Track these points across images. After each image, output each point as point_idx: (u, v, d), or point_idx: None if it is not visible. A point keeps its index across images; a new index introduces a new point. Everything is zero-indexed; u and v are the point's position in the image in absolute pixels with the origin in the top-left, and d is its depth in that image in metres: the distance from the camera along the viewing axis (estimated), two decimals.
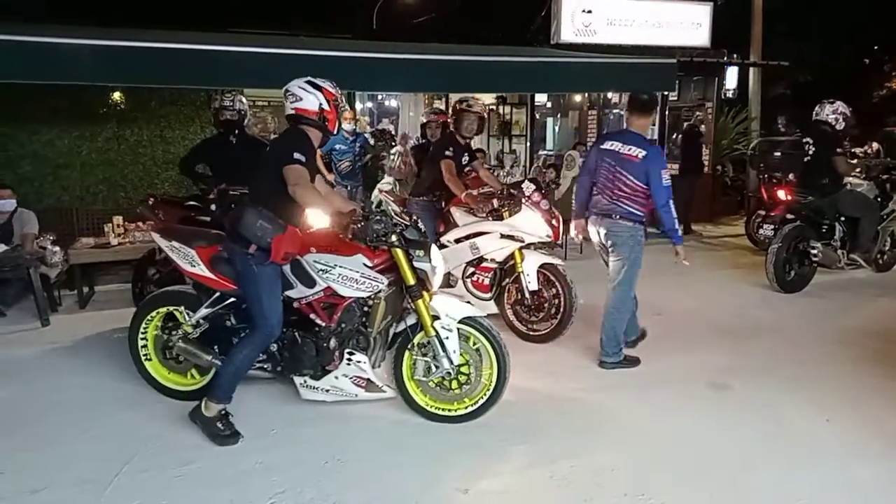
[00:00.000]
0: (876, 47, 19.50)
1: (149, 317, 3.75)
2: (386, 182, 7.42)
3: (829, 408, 3.64)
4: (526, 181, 4.87)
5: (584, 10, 9.37)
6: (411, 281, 3.32)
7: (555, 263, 4.66)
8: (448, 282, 4.97)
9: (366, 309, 3.42)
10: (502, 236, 4.68)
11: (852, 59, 18.92)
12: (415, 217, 3.51)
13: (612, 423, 3.53)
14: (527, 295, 4.64)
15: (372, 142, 8.15)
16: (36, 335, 4.96)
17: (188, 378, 3.81)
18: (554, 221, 4.76)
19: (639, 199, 4.12)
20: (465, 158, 5.09)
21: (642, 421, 3.56)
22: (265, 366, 3.55)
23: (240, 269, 3.30)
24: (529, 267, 4.61)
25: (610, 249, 4.22)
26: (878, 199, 6.35)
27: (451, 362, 3.38)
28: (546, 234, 4.67)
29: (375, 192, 7.22)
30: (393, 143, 8.19)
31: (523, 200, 4.69)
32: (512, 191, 4.80)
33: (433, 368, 3.42)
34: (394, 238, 3.26)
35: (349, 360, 3.46)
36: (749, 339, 4.81)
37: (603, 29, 9.47)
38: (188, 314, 3.53)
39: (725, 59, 10.36)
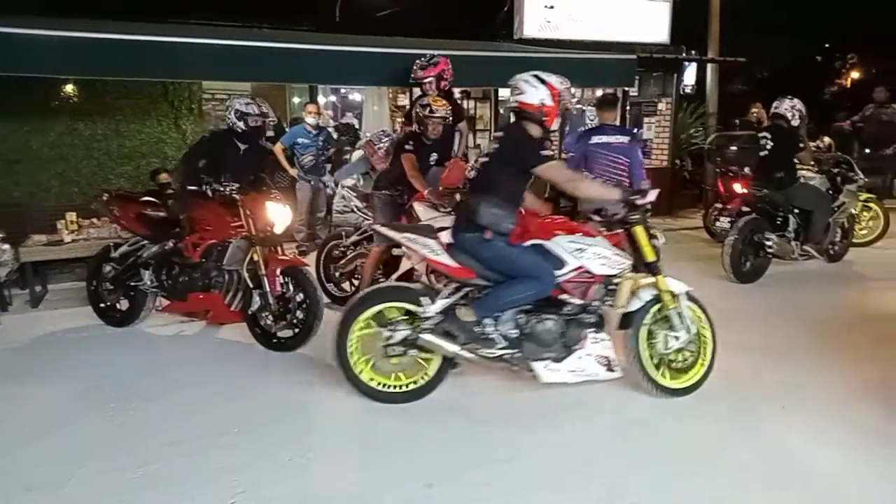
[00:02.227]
0: (827, 45, 20.11)
1: (358, 319, 3.61)
2: (350, 178, 7.35)
3: (787, 395, 3.75)
4: None
5: (546, 6, 9.42)
6: (651, 257, 3.56)
7: None
8: (412, 277, 4.96)
9: (610, 287, 3.57)
10: None
11: (806, 55, 19.49)
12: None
13: (580, 417, 3.56)
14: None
15: (335, 136, 8.08)
16: None
17: (393, 379, 3.69)
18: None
19: (626, 175, 5.35)
20: (434, 156, 5.05)
21: (610, 414, 3.61)
22: (507, 352, 3.52)
23: (487, 256, 3.44)
24: None
25: None
26: (830, 192, 6.56)
27: (689, 332, 3.62)
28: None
29: (338, 189, 7.13)
30: (358, 138, 8.13)
31: None
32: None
33: (671, 341, 3.63)
34: (638, 216, 3.48)
35: (595, 338, 3.56)
36: None
37: (565, 24, 9.54)
38: (423, 307, 3.52)
39: (684, 55, 10.54)
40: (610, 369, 3.57)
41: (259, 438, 3.29)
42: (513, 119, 3.62)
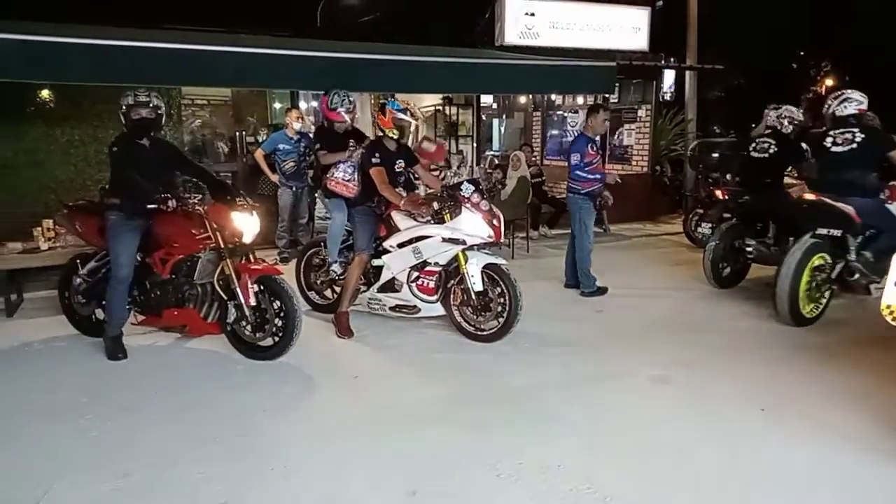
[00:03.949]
0: (802, 53, 20.48)
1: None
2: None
3: (765, 398, 3.79)
4: (465, 183, 4.83)
5: (527, 13, 9.50)
6: None
7: (499, 263, 4.69)
8: (393, 286, 4.95)
9: None
10: (444, 240, 4.68)
11: (782, 63, 19.84)
12: None
13: (556, 420, 3.58)
14: (472, 296, 4.67)
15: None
16: None
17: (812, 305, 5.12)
18: (495, 221, 4.73)
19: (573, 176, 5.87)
20: (401, 163, 5.02)
21: (586, 416, 3.63)
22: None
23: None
24: (473, 268, 4.63)
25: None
26: None
27: None
28: (487, 234, 4.68)
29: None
30: None
31: (463, 202, 4.69)
32: (452, 193, 4.78)
33: None
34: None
35: None
36: (687, 334, 4.97)
37: (546, 32, 9.62)
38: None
39: (663, 62, 10.68)
40: None
41: (239, 448, 3.25)
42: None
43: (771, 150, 6.01)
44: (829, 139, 5.29)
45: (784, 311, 5.06)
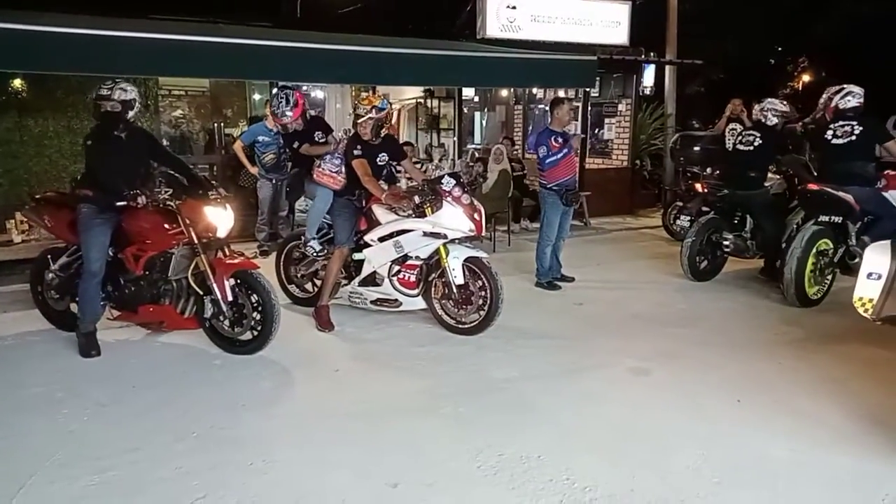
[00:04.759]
0: (780, 48, 20.71)
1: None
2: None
3: (741, 389, 3.85)
4: (446, 176, 4.83)
5: (508, 6, 9.48)
6: None
7: (480, 257, 4.70)
8: (374, 280, 4.93)
9: None
10: (425, 234, 4.67)
11: (760, 58, 20.05)
12: None
13: (537, 411, 3.61)
14: (454, 289, 4.67)
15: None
16: None
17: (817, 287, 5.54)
18: (476, 215, 4.73)
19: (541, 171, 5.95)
20: (384, 157, 4.99)
21: (566, 407, 3.66)
22: None
23: None
24: (455, 262, 4.63)
25: None
26: (787, 194, 6.64)
27: None
28: (468, 228, 4.67)
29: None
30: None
31: (444, 196, 4.68)
32: (433, 186, 4.77)
33: None
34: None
35: None
36: (665, 326, 5.03)
37: (527, 25, 9.61)
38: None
39: (643, 57, 10.74)
40: None
41: (218, 442, 3.23)
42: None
43: (756, 143, 6.04)
44: (830, 132, 5.60)
45: (790, 293, 5.46)
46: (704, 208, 6.43)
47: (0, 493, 2.79)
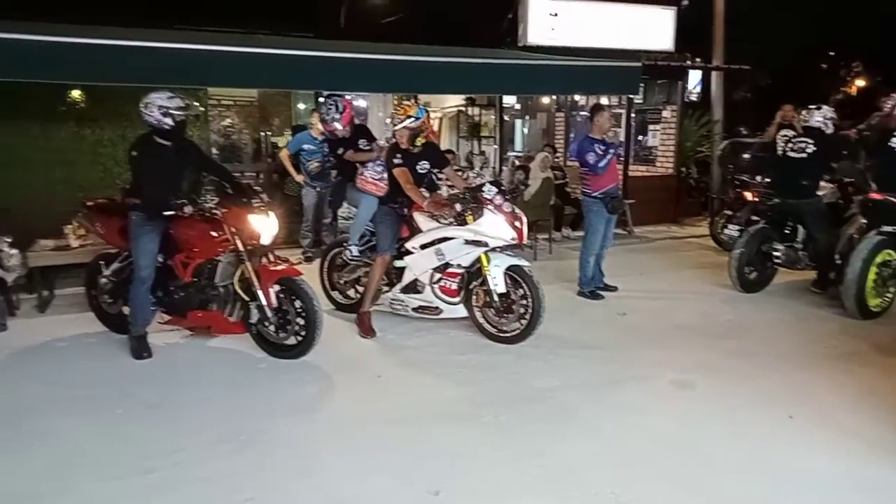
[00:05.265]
0: (832, 53, 20.10)
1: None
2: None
3: (790, 404, 3.74)
4: (487, 184, 4.82)
5: (550, 14, 9.44)
6: None
7: (521, 265, 4.68)
8: (416, 287, 4.96)
9: None
10: (466, 241, 4.68)
11: (810, 63, 19.49)
12: None
13: (579, 422, 3.57)
14: (495, 297, 4.66)
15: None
16: None
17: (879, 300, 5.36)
18: (518, 223, 4.70)
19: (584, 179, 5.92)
20: (425, 165, 5.01)
21: (608, 418, 3.61)
22: None
23: None
24: (496, 270, 4.63)
25: None
26: (840, 202, 6.41)
27: None
28: (510, 237, 4.65)
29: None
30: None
31: (485, 204, 4.67)
32: (474, 194, 4.77)
33: None
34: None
35: None
36: (711, 338, 4.91)
37: (569, 32, 9.55)
38: None
39: (689, 62, 10.55)
40: None
41: (262, 445, 3.29)
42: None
43: (808, 150, 5.81)
44: (895, 139, 5.47)
45: (851, 305, 5.31)
46: (754, 217, 6.27)
47: (56, 490, 2.90)
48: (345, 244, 5.40)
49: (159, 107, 4.23)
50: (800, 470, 3.07)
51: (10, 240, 5.28)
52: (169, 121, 4.26)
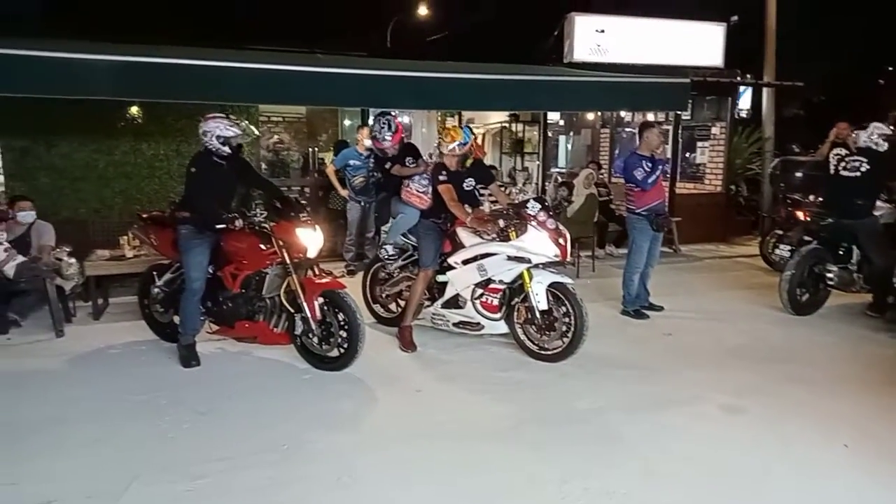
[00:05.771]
0: (891, 68, 19.43)
1: None
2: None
3: (845, 432, 3.59)
4: (531, 200, 4.81)
5: (597, 30, 9.40)
6: None
7: (564, 282, 4.64)
8: (457, 303, 4.97)
9: None
10: (509, 258, 4.67)
11: (867, 78, 18.88)
12: None
13: (623, 444, 3.51)
14: (537, 314, 4.63)
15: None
16: (50, 346, 5.01)
17: None
18: (561, 240, 4.67)
19: (629, 196, 5.87)
20: (471, 182, 5.07)
21: (652, 442, 3.53)
22: None
23: None
24: (538, 286, 4.60)
25: None
26: None
27: None
28: (553, 253, 4.62)
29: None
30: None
31: (529, 220, 4.67)
32: (518, 210, 4.77)
33: None
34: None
35: None
36: (761, 362, 4.76)
37: (616, 48, 9.49)
38: None
39: (739, 79, 10.35)
40: None
41: (305, 455, 3.33)
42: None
43: (863, 169, 5.66)
44: None
45: None
46: (806, 237, 6.07)
47: (109, 490, 2.99)
48: (382, 244, 5.48)
49: (218, 136, 4.41)
50: (853, 502, 2.95)
51: (69, 249, 5.52)
52: (227, 149, 4.46)
